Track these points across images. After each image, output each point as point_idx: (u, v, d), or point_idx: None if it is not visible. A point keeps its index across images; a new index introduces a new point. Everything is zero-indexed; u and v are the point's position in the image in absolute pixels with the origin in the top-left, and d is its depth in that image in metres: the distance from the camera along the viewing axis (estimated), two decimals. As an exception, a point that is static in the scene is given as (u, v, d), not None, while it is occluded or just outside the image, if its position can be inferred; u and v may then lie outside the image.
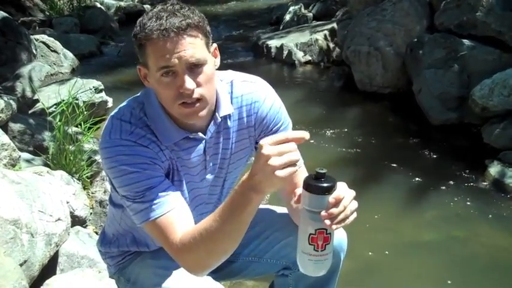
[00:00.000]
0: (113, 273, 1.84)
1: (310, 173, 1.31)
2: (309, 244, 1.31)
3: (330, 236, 1.31)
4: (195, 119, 1.49)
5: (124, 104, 1.58)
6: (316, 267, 1.34)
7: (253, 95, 1.64)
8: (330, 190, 1.28)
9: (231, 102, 1.62)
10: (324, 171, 1.28)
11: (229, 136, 1.64)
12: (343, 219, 1.28)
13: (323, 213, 1.26)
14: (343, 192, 1.29)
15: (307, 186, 1.29)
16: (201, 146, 1.59)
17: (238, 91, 1.63)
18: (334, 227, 1.27)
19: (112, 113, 1.57)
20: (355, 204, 1.31)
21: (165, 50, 1.40)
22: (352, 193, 1.31)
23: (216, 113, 1.57)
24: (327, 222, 1.26)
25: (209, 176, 1.66)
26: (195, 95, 1.43)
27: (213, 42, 1.51)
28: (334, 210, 1.26)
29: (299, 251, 1.34)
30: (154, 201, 1.46)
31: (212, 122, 1.57)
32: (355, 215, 1.31)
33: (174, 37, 1.39)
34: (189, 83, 1.41)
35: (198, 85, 1.43)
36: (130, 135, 1.48)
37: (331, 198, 1.27)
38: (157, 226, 1.47)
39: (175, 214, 1.46)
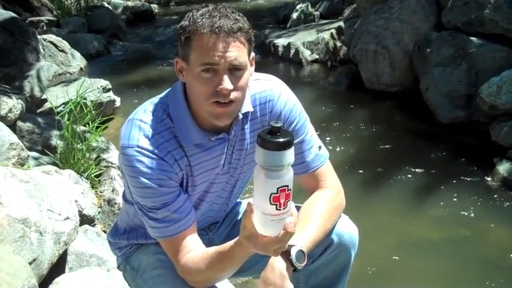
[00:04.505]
0: (120, 263, 1.88)
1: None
2: (271, 204, 1.22)
3: (291, 192, 1.24)
4: (224, 121, 1.52)
5: (146, 103, 1.59)
6: (277, 226, 1.27)
7: (267, 93, 1.64)
8: (286, 145, 1.20)
9: None
10: (279, 124, 1.20)
11: (245, 137, 1.64)
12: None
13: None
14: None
15: (262, 142, 1.20)
16: (224, 144, 1.60)
17: (252, 90, 1.63)
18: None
19: (133, 113, 1.57)
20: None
21: (212, 47, 1.42)
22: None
23: (239, 112, 1.57)
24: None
25: (224, 175, 1.67)
26: (231, 97, 1.46)
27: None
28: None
29: (258, 214, 1.25)
30: (167, 221, 1.54)
31: (235, 121, 1.58)
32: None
33: (224, 37, 1.42)
34: (227, 83, 1.44)
35: (235, 88, 1.46)
36: (149, 143, 1.50)
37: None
38: (166, 244, 1.59)
39: (184, 237, 1.56)
